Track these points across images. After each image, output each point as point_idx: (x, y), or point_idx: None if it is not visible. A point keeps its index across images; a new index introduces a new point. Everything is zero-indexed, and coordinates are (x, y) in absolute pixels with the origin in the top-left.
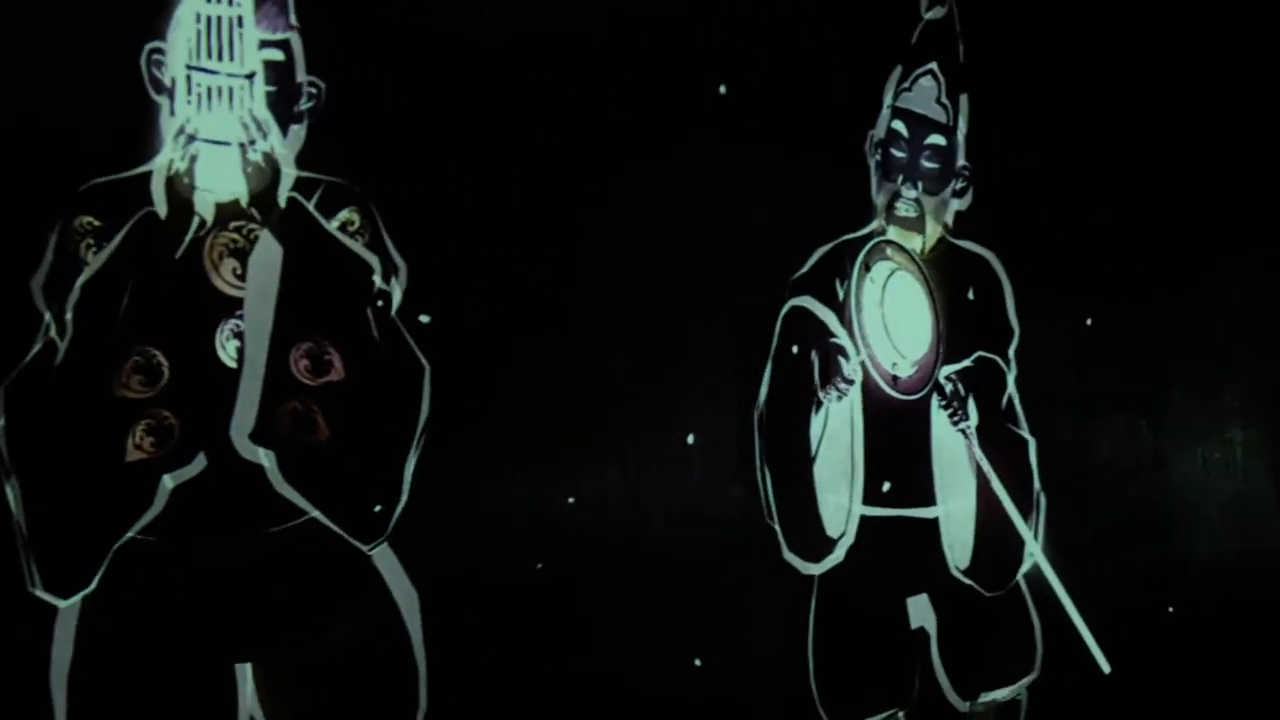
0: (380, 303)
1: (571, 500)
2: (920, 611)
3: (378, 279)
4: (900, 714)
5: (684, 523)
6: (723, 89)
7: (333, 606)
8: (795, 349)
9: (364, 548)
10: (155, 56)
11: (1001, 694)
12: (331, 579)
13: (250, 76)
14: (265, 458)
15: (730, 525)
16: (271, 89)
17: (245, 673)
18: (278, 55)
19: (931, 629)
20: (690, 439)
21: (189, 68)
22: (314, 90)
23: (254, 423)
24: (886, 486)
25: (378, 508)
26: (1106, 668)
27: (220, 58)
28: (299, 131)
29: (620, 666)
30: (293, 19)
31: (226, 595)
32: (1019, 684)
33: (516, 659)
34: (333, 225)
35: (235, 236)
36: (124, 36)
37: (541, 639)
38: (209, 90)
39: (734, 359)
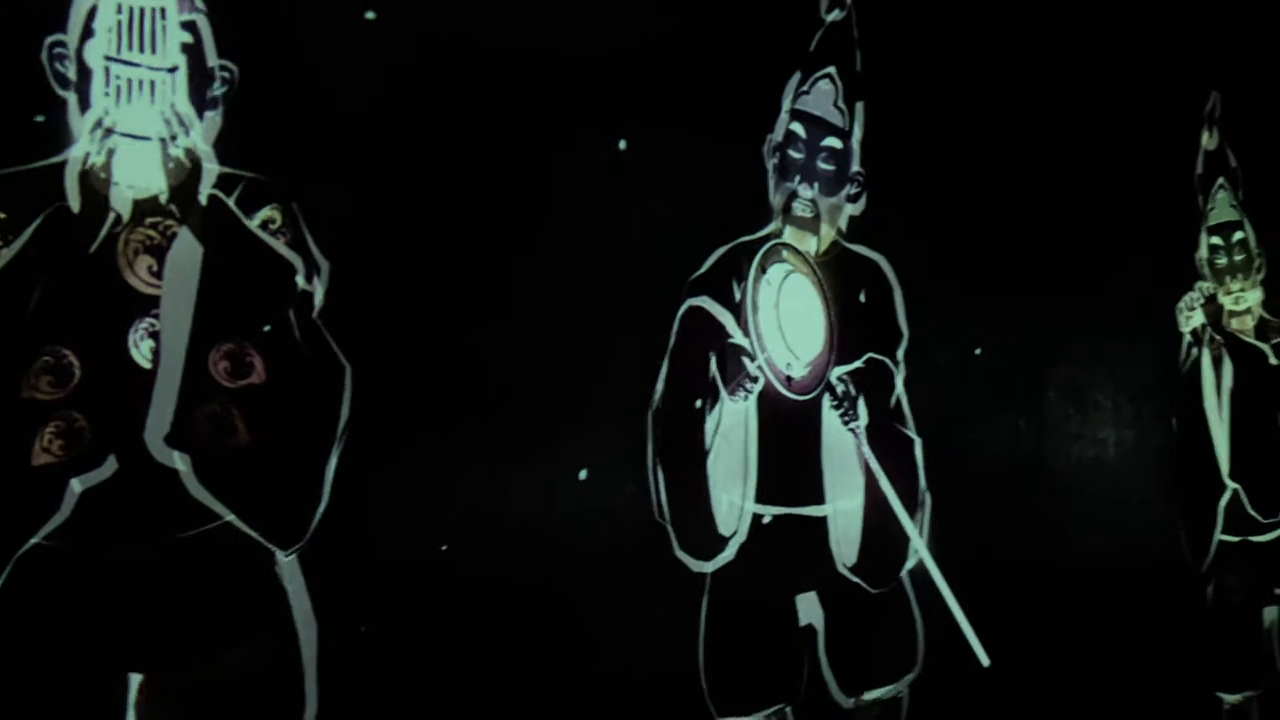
0: (302, 303)
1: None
2: (808, 609)
3: (300, 279)
4: (787, 710)
5: (585, 522)
6: (622, 143)
7: (231, 626)
8: (692, 348)
9: (281, 554)
10: (57, 50)
11: (884, 692)
12: (233, 596)
13: (173, 70)
14: (181, 461)
15: (628, 524)
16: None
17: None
18: (186, 37)
19: (819, 626)
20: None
21: (108, 59)
22: (226, 75)
23: (170, 426)
24: (778, 485)
25: (297, 511)
26: (986, 661)
27: (142, 50)
28: (214, 118)
29: (518, 664)
30: (198, 1)
31: (125, 604)
32: (901, 682)
33: (419, 657)
34: (254, 223)
35: (151, 233)
36: (24, 29)
37: (444, 639)
38: (129, 83)
39: (634, 358)
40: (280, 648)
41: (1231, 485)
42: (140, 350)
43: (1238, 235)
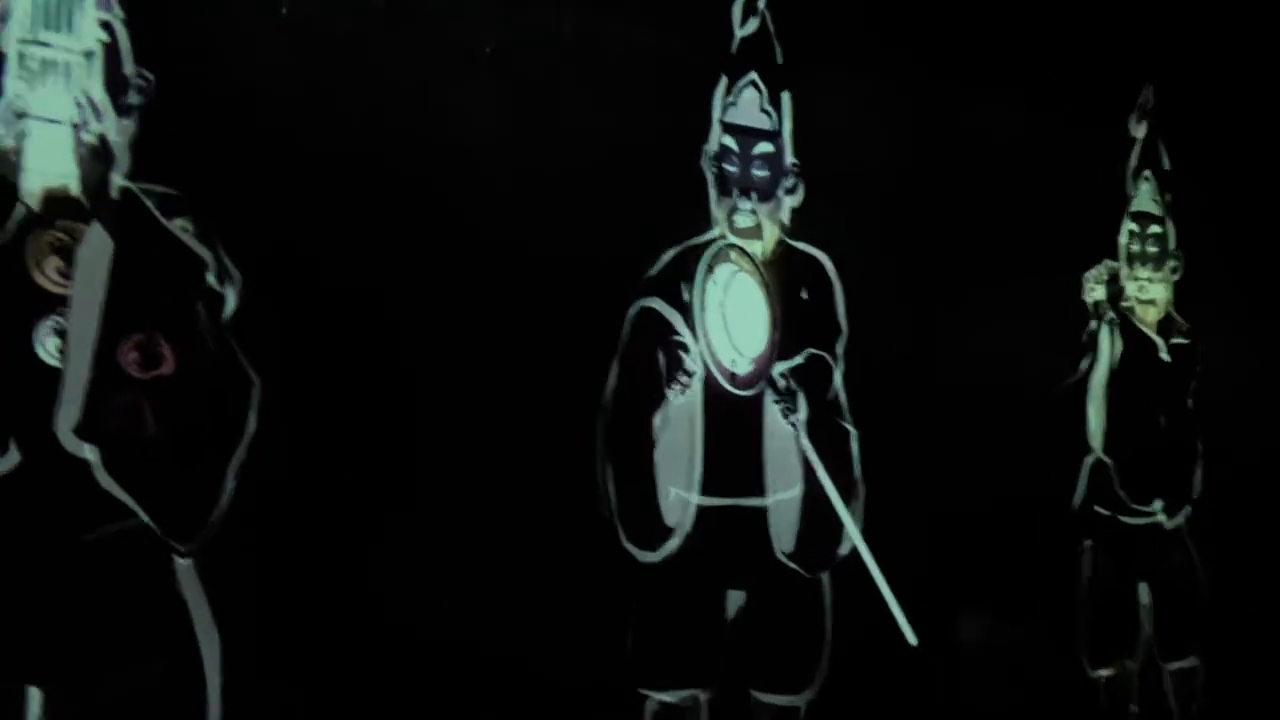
0: (212, 302)
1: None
2: (737, 601)
3: (210, 277)
4: (701, 696)
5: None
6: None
7: (132, 638)
8: (641, 348)
9: (179, 549)
10: None
11: (781, 700)
12: (135, 608)
13: (88, 55)
14: (90, 453)
15: (571, 514)
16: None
17: (35, 696)
18: (103, 35)
19: (742, 619)
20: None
21: (21, 42)
22: (142, 83)
23: (79, 417)
24: (721, 477)
25: (196, 508)
26: (913, 640)
27: (57, 29)
28: (128, 127)
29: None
30: (116, 6)
31: (25, 611)
32: (798, 696)
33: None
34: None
35: (61, 235)
36: None
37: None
38: (42, 64)
39: (582, 358)
40: (183, 659)
41: (1103, 456)
42: (46, 347)
43: (1154, 228)
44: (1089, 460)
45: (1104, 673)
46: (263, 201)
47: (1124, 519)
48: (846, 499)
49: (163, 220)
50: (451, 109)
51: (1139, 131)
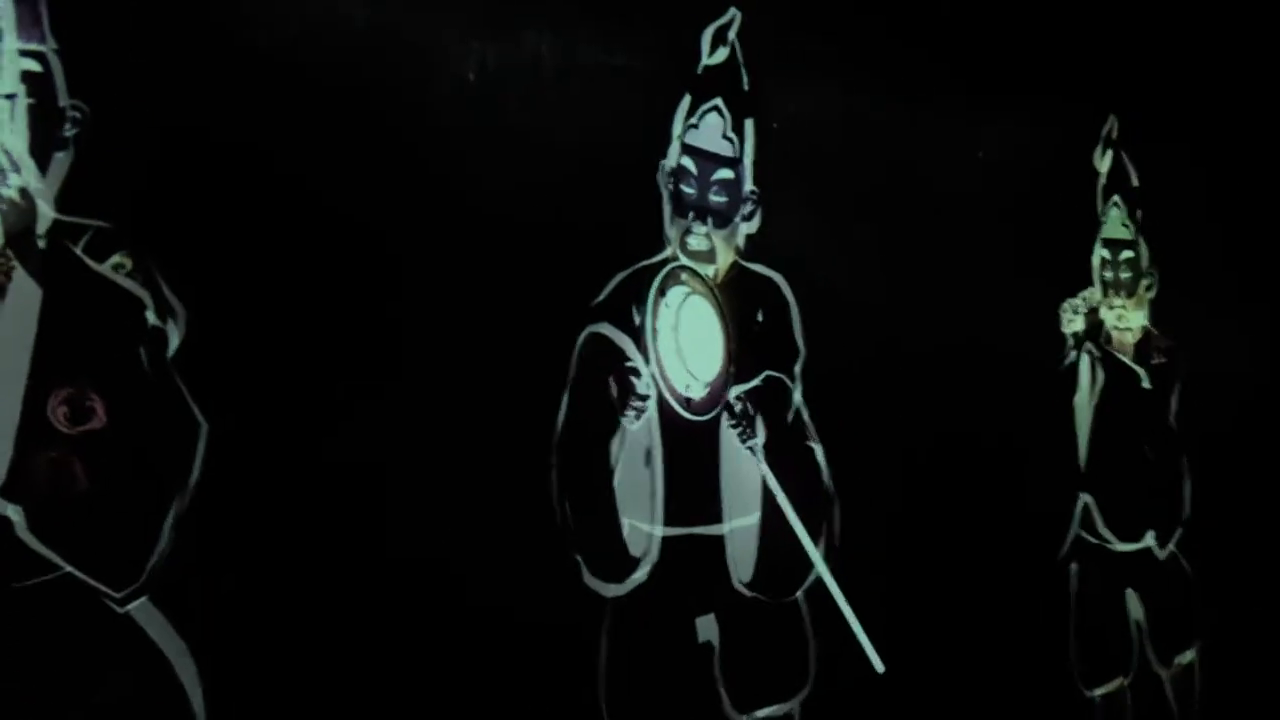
0: (155, 342)
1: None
2: (706, 626)
3: (150, 315)
4: None
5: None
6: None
7: (89, 670)
8: (593, 376)
9: (116, 596)
10: None
11: (775, 710)
12: (88, 640)
13: (8, 98)
14: (14, 512)
15: (532, 551)
16: (30, 102)
17: None
18: (34, 66)
19: (715, 642)
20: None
21: None
22: (77, 115)
23: (4, 476)
24: (678, 506)
25: (132, 557)
26: (880, 668)
27: None
28: (63, 160)
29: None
30: (49, 38)
31: None
32: (793, 700)
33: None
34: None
35: None
36: None
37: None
38: None
39: (531, 388)
40: (158, 681)
41: (1083, 498)
42: None
43: (1125, 254)
44: (1080, 502)
45: (1099, 691)
46: (209, 229)
47: (1112, 548)
48: (818, 515)
49: (93, 265)
50: (422, 136)
51: (1104, 164)
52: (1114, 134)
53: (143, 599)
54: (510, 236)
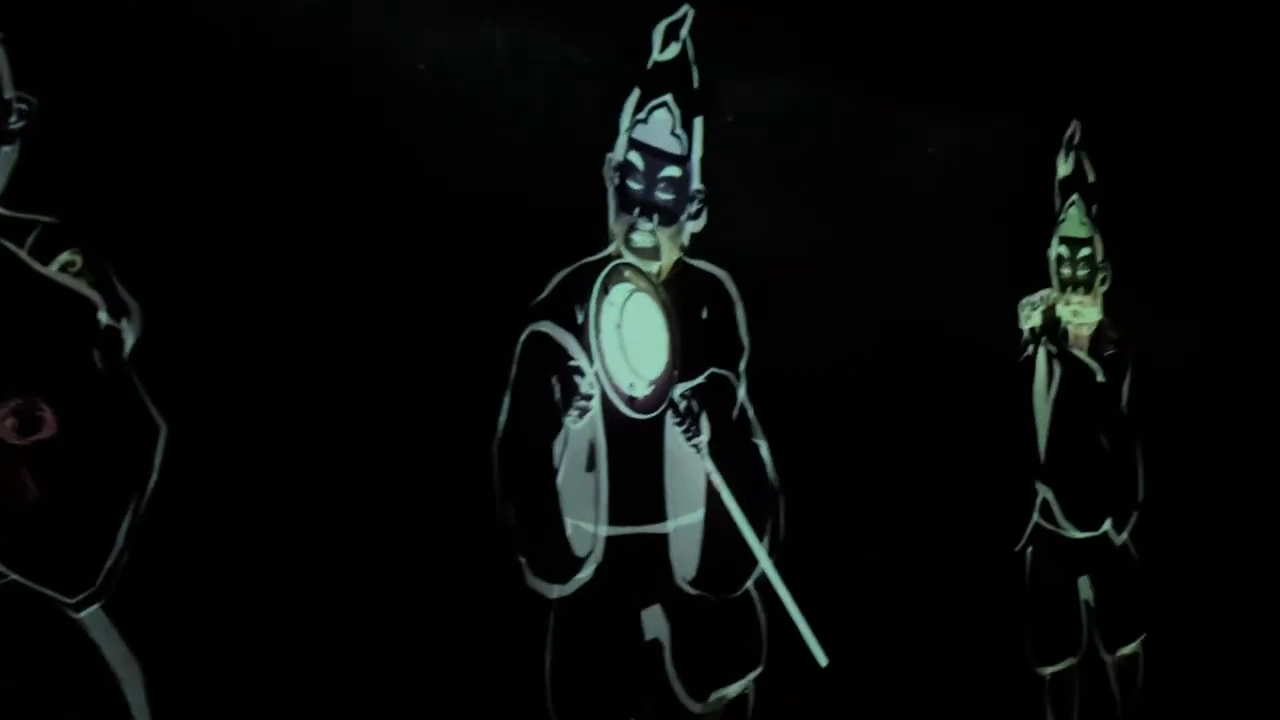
0: (109, 343)
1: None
2: (653, 623)
3: (103, 315)
4: None
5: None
6: None
7: (37, 680)
8: (535, 376)
9: (68, 601)
10: None
11: (730, 690)
12: (36, 649)
13: None
14: None
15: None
16: None
17: None
18: None
19: (665, 639)
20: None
21: None
22: (24, 107)
23: None
24: (623, 505)
25: (85, 564)
26: (824, 661)
27: None
28: (10, 154)
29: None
30: None
31: None
32: (746, 679)
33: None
34: (51, 268)
35: None
36: None
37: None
38: None
39: (472, 388)
40: (103, 695)
41: (1041, 491)
42: None
43: (1084, 251)
44: (1038, 499)
45: (1049, 670)
46: (162, 220)
47: (1067, 535)
48: (763, 513)
49: (38, 268)
50: (377, 125)
51: (1065, 168)
52: (1076, 138)
53: (97, 606)
54: (454, 235)
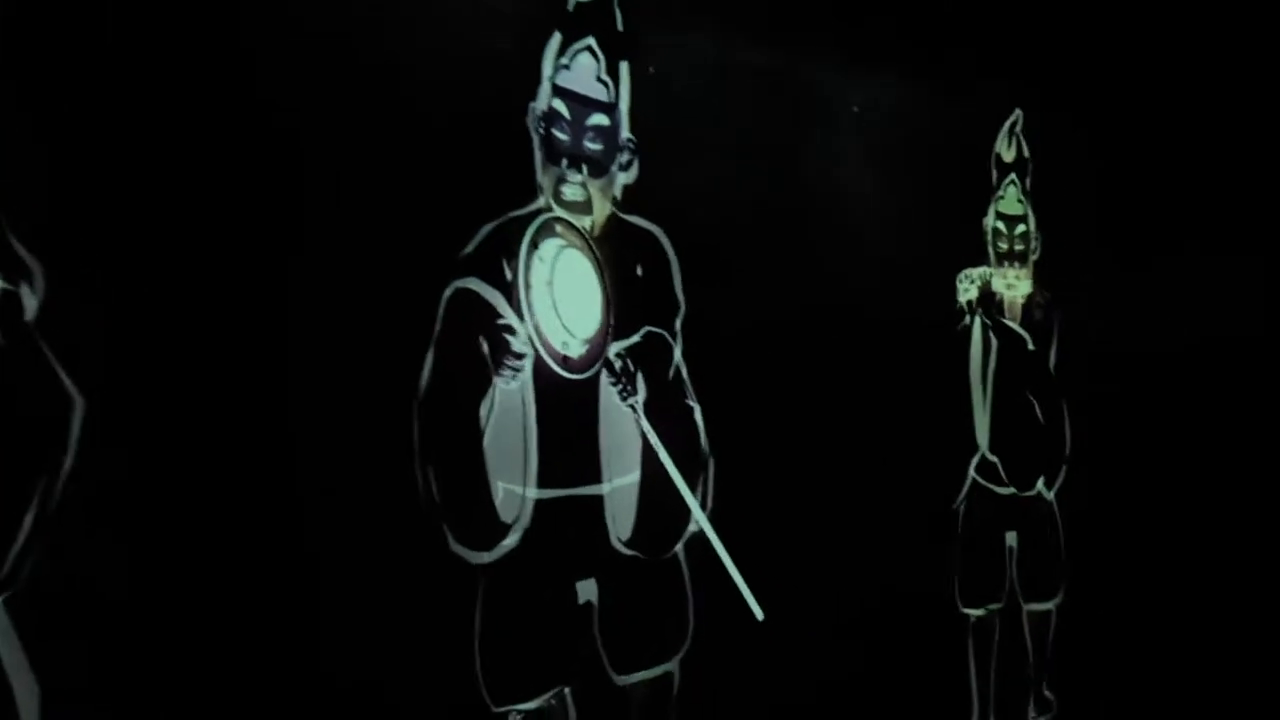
0: (6, 308)
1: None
2: (586, 587)
3: None
4: (566, 690)
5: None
6: None
7: None
8: (460, 333)
9: None
10: None
11: (654, 671)
12: None
13: None
14: None
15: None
16: None
17: None
18: None
19: (595, 602)
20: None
21: None
22: None
23: None
24: (556, 467)
25: None
26: (760, 615)
27: None
28: None
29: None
30: None
31: None
32: (671, 660)
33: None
34: None
35: None
36: None
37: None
38: None
39: (392, 347)
40: None
41: (991, 457)
42: None
43: (1020, 228)
44: (976, 459)
45: (973, 613)
46: (61, 166)
47: (994, 489)
48: (694, 476)
49: None
50: (281, 75)
51: (1009, 154)
52: (1018, 126)
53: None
54: (369, 187)
